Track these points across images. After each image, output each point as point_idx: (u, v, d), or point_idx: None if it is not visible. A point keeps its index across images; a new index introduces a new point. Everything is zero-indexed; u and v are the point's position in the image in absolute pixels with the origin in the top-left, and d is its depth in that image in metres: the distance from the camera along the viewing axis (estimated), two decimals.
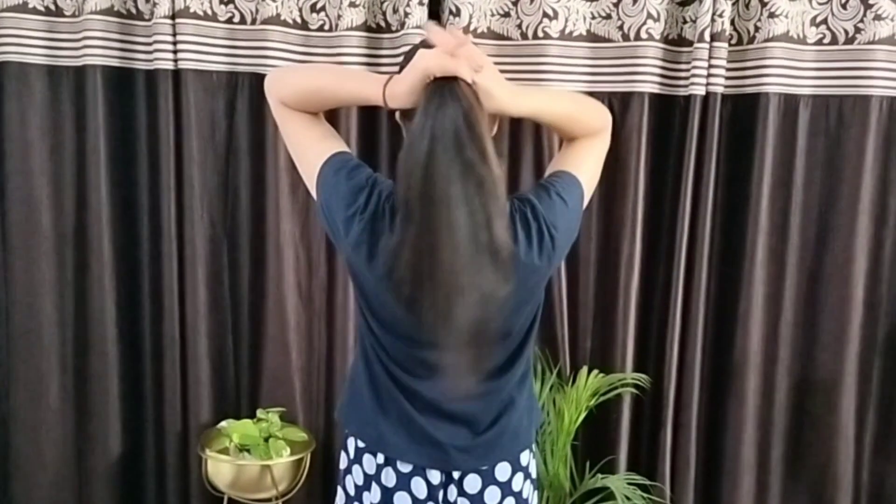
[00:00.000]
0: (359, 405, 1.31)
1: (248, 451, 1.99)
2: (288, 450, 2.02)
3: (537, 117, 1.32)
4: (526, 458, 1.33)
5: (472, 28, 2.01)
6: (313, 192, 1.26)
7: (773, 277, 2.11)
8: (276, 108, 1.32)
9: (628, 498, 2.00)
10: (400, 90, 1.17)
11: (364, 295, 1.25)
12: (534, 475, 1.36)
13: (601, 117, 1.35)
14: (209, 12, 1.99)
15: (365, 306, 1.27)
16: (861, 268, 2.07)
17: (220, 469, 2.01)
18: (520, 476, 1.31)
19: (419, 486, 1.26)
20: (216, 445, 2.04)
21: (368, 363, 1.29)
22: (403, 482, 1.26)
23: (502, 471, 1.29)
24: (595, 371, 2.10)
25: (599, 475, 2.10)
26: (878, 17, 1.97)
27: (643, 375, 2.12)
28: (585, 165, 1.30)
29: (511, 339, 1.25)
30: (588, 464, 2.16)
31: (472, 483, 1.27)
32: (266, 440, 2.01)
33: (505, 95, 1.17)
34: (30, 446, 2.13)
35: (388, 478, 1.27)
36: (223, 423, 2.11)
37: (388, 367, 1.25)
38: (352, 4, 1.99)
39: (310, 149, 1.26)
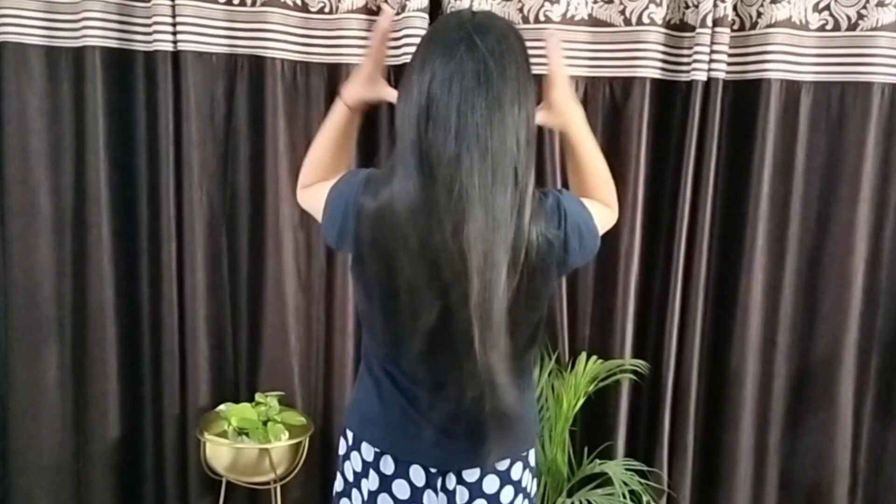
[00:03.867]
0: (362, 407, 1.30)
1: (246, 434, 1.99)
2: (286, 433, 2.02)
3: (573, 139, 1.29)
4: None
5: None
6: (322, 216, 1.24)
7: (772, 264, 2.11)
8: (299, 197, 1.35)
9: (626, 483, 2.01)
10: (351, 84, 1.26)
11: (367, 299, 1.23)
12: (533, 464, 1.35)
13: (613, 199, 1.35)
14: None
15: (369, 312, 1.25)
16: (861, 255, 2.07)
17: (218, 452, 2.02)
18: (519, 465, 1.30)
19: (417, 475, 1.25)
20: (215, 429, 2.04)
21: (370, 365, 1.28)
22: (401, 470, 1.26)
23: (502, 461, 1.28)
24: (594, 357, 2.10)
25: (597, 461, 2.11)
26: (881, 4, 1.96)
27: (642, 362, 2.12)
28: (597, 210, 1.27)
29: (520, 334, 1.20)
30: (586, 449, 2.16)
31: (471, 472, 1.26)
32: (264, 424, 2.01)
33: (573, 106, 1.22)
34: (28, 429, 2.13)
35: (387, 465, 1.26)
36: (222, 407, 2.11)
37: (390, 371, 1.24)
38: None
39: (320, 191, 1.25)
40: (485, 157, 1.05)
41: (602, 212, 1.29)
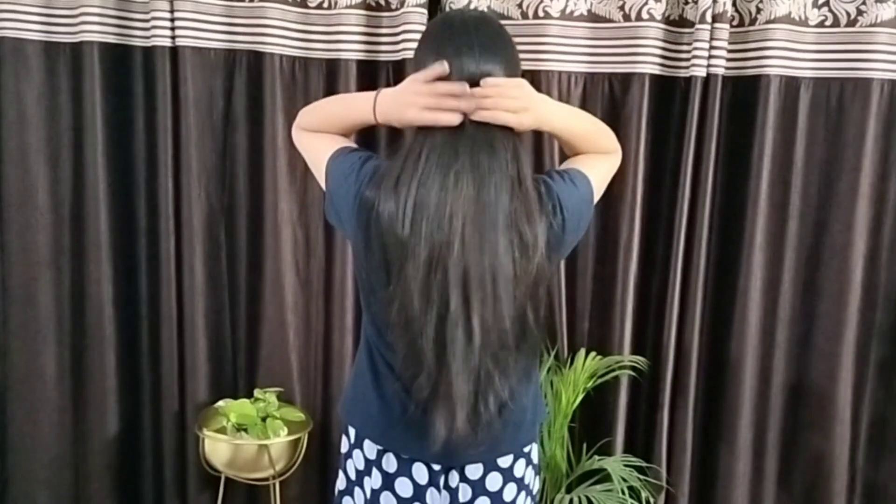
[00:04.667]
0: (361, 401, 1.29)
1: (245, 430, 1.99)
2: (285, 429, 2.02)
3: (560, 133, 1.30)
4: (528, 446, 1.33)
5: (471, 6, 2.00)
6: (325, 187, 1.26)
7: (771, 260, 2.11)
8: (295, 134, 1.38)
9: (625, 479, 2.01)
10: (390, 112, 1.20)
11: (368, 286, 1.24)
12: (535, 461, 1.35)
13: (614, 143, 1.37)
14: None
15: (368, 298, 1.25)
16: (860, 250, 2.06)
17: (217, 448, 2.01)
18: (522, 462, 1.30)
19: (420, 472, 1.25)
20: (213, 425, 2.04)
21: (371, 357, 1.28)
22: (404, 468, 1.25)
23: (505, 458, 1.28)
24: (593, 353, 2.10)
25: (596, 457, 2.11)
26: (880, 0, 1.96)
27: (641, 358, 2.12)
28: (595, 169, 1.29)
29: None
30: (585, 446, 2.16)
31: (474, 470, 1.26)
32: (263, 420, 2.01)
33: (544, 114, 1.22)
34: (27, 425, 2.13)
35: (389, 463, 1.26)
36: (220, 403, 2.11)
37: (391, 362, 1.24)
38: None
39: (320, 149, 1.28)
40: (480, 127, 1.12)
41: (601, 164, 1.32)
